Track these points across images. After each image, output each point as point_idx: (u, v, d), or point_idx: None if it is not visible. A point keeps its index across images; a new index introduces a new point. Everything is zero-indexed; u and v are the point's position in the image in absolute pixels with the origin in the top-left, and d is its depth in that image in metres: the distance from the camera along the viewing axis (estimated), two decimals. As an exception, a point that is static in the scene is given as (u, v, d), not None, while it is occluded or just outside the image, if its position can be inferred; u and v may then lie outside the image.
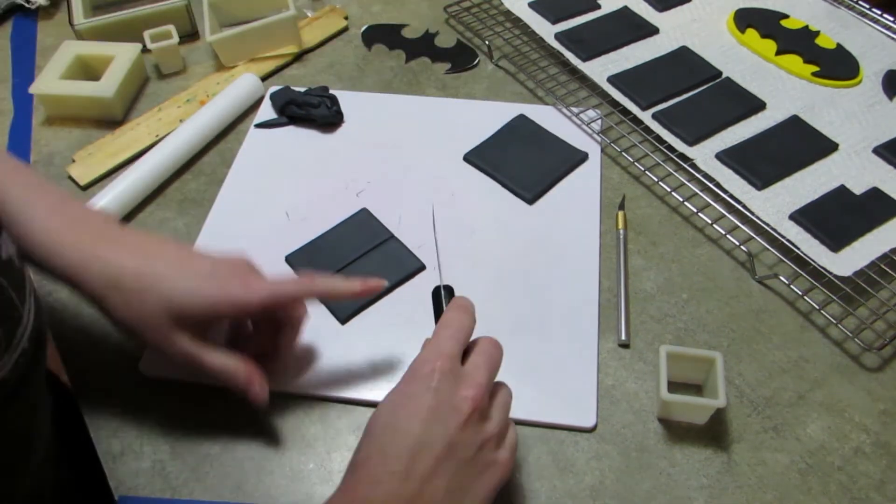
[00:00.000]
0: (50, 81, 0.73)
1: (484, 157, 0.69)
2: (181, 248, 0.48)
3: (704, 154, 0.67)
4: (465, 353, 0.44)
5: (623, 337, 0.56)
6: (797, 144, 0.67)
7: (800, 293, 0.57)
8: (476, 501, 0.40)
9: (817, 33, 0.78)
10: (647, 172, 0.67)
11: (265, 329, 0.52)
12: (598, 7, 0.83)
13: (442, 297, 0.49)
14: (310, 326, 0.56)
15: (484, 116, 0.73)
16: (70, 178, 0.69)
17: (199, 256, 0.48)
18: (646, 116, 0.70)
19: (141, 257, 0.46)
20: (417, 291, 0.59)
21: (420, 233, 0.63)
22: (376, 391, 0.53)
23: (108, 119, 0.74)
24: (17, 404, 0.39)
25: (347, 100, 0.75)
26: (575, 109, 0.73)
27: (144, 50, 0.78)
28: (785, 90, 0.73)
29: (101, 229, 0.47)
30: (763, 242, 0.60)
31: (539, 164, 0.68)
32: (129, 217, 0.65)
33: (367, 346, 0.55)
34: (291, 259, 0.61)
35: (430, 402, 0.40)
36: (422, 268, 0.60)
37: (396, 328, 0.56)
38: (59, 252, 0.45)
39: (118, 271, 0.45)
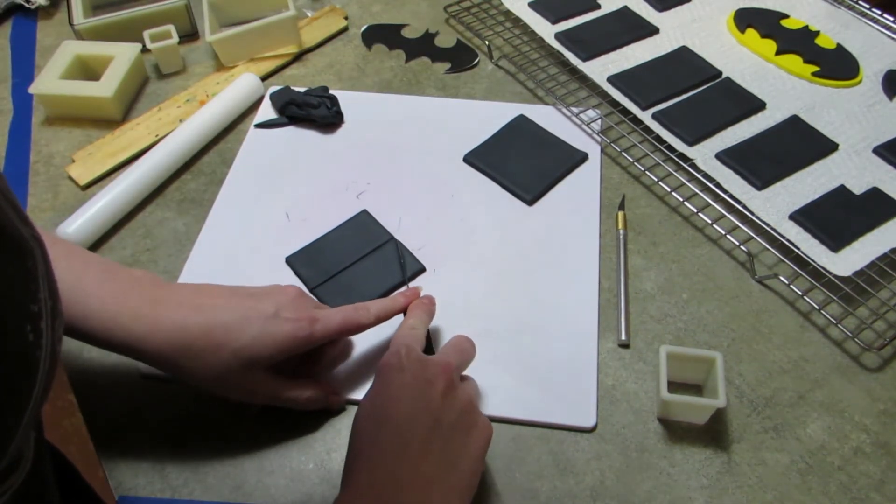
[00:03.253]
0: (50, 81, 0.73)
1: (484, 158, 0.69)
2: (234, 293, 0.48)
3: (704, 154, 0.67)
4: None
5: (623, 337, 0.56)
6: (797, 144, 0.67)
7: (800, 293, 0.57)
8: (470, 462, 0.42)
9: (817, 33, 0.78)
10: (647, 172, 0.67)
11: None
12: (598, 7, 0.83)
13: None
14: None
15: (484, 117, 0.73)
16: (70, 178, 0.69)
17: (256, 299, 0.48)
18: (646, 116, 0.70)
19: (202, 315, 0.46)
20: (417, 291, 0.59)
21: (420, 234, 0.63)
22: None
23: (108, 119, 0.74)
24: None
25: (347, 100, 0.75)
26: (575, 109, 0.73)
27: (144, 50, 0.78)
28: (785, 90, 0.73)
29: (154, 293, 0.46)
30: (763, 242, 0.60)
31: (539, 164, 0.68)
32: (129, 217, 0.65)
33: (368, 346, 0.55)
34: (291, 260, 0.61)
35: (405, 381, 0.43)
36: (422, 269, 0.60)
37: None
38: (121, 326, 0.44)
39: (185, 335, 0.45)
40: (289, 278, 0.60)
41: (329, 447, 0.51)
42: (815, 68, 0.74)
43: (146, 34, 0.78)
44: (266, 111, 0.75)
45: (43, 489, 0.42)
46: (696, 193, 0.64)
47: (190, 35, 0.85)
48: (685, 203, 0.64)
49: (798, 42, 0.77)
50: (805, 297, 0.57)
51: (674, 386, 0.51)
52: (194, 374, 0.46)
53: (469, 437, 0.43)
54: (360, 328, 0.50)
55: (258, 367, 0.47)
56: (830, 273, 0.57)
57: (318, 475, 0.49)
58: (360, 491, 0.40)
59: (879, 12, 0.82)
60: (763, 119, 0.70)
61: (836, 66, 0.75)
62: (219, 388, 0.47)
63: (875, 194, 0.63)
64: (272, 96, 0.75)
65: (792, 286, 0.58)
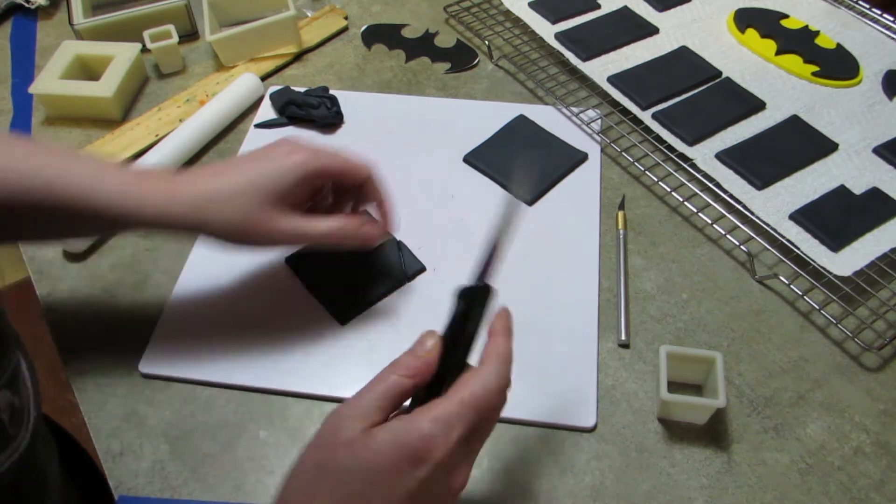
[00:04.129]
0: (49, 81, 0.73)
1: (484, 158, 0.69)
2: (245, 156, 0.51)
3: (704, 154, 0.67)
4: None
5: (623, 337, 0.56)
6: (797, 144, 0.67)
7: (800, 293, 0.57)
8: None
9: (817, 33, 0.78)
10: (646, 172, 0.67)
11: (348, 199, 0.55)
12: (598, 7, 0.83)
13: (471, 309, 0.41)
14: (310, 327, 0.57)
15: (484, 117, 0.73)
16: (70, 178, 0.69)
17: (267, 149, 0.51)
18: (646, 116, 0.70)
19: (218, 174, 0.49)
20: (418, 293, 0.59)
21: (420, 234, 0.63)
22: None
23: (108, 119, 0.74)
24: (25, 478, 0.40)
25: (347, 100, 0.75)
26: (575, 109, 0.73)
27: (144, 50, 0.78)
28: (785, 90, 0.73)
29: (167, 174, 0.49)
30: (763, 242, 0.60)
31: (539, 164, 0.68)
32: (128, 217, 0.65)
33: (367, 346, 0.55)
34: (291, 260, 0.61)
35: (411, 480, 0.35)
36: (422, 269, 0.60)
37: (396, 329, 0.56)
38: (145, 204, 0.47)
39: (206, 192, 0.48)
40: (289, 278, 0.60)
41: (329, 447, 0.51)
42: (815, 68, 0.74)
43: (146, 34, 0.78)
44: (266, 111, 0.75)
45: (41, 471, 0.42)
46: (696, 193, 0.64)
47: (190, 35, 0.85)
48: (685, 203, 0.64)
49: (798, 42, 0.77)
50: (805, 297, 0.57)
51: (674, 386, 0.51)
52: (221, 224, 0.48)
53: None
54: (349, 166, 0.51)
55: (276, 203, 0.48)
56: (830, 273, 0.57)
57: (318, 475, 0.49)
58: None
59: (879, 12, 0.82)
60: (763, 119, 0.70)
61: (836, 65, 0.75)
62: (249, 232, 0.49)
63: (875, 194, 0.63)
64: (272, 96, 0.75)
65: (792, 286, 0.58)
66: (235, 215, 0.48)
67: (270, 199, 0.48)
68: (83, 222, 0.48)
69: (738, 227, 0.62)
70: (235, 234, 0.49)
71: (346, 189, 0.55)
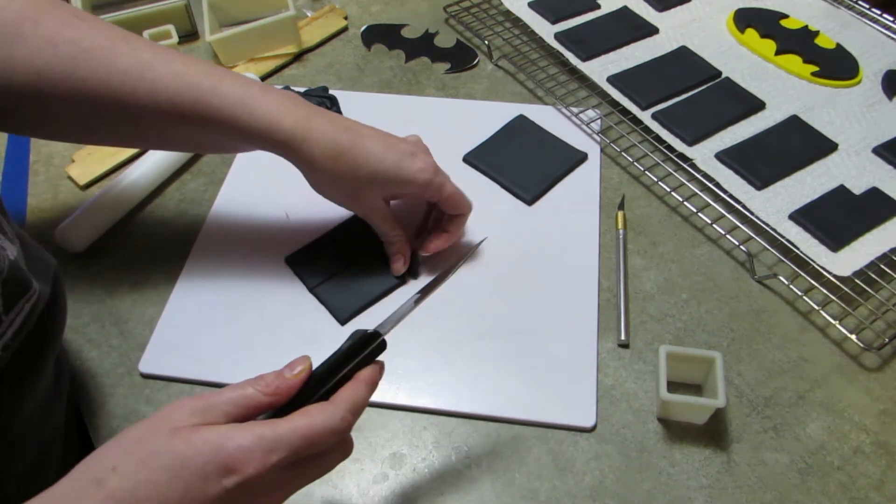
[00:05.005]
0: (49, 81, 0.73)
1: (483, 158, 0.69)
2: (380, 132, 0.55)
3: (704, 154, 0.67)
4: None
5: (623, 337, 0.56)
6: (797, 144, 0.67)
7: (799, 293, 0.57)
8: None
9: (817, 33, 0.78)
10: (646, 172, 0.67)
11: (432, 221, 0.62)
12: (598, 7, 0.83)
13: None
14: (310, 327, 0.57)
15: (483, 117, 0.73)
16: (70, 178, 0.69)
17: (398, 139, 0.55)
18: (645, 116, 0.70)
19: (351, 135, 0.53)
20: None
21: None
22: (375, 391, 0.53)
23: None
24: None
25: (347, 100, 0.75)
26: (574, 109, 0.73)
27: (144, 50, 0.78)
28: (784, 90, 0.73)
29: (306, 105, 0.53)
30: (763, 242, 0.60)
31: (539, 164, 0.68)
32: (129, 217, 0.65)
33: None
34: (291, 260, 0.61)
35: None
36: (419, 261, 0.60)
37: (396, 329, 0.56)
38: (280, 128, 0.50)
39: (337, 146, 0.52)
40: (289, 278, 0.60)
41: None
42: (815, 68, 0.74)
43: (146, 34, 0.78)
44: (266, 111, 0.75)
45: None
46: (696, 193, 0.64)
47: (190, 35, 0.85)
48: (685, 203, 0.64)
49: (798, 42, 0.77)
50: (805, 297, 0.57)
51: (673, 386, 0.51)
52: (328, 184, 0.54)
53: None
54: (459, 200, 0.57)
55: (382, 189, 0.54)
56: (830, 273, 0.57)
57: (318, 475, 0.49)
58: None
59: (879, 12, 0.82)
60: (763, 119, 0.70)
61: (836, 65, 0.75)
62: (344, 199, 0.56)
63: (874, 194, 0.63)
64: (272, 96, 0.75)
65: (791, 286, 0.58)
66: (345, 186, 0.54)
67: (381, 188, 0.55)
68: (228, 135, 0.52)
69: (738, 226, 0.62)
70: (335, 196, 0.56)
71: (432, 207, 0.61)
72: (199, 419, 0.36)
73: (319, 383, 0.40)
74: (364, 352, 0.41)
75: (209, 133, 0.52)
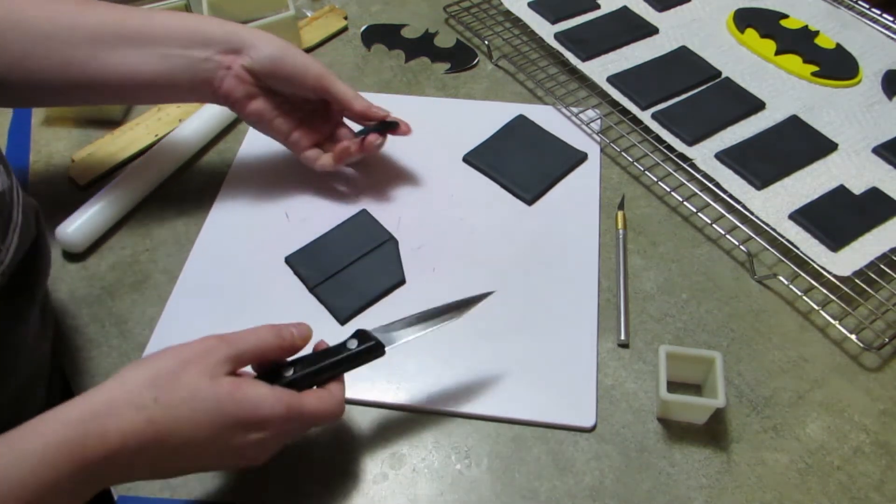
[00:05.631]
0: (49, 81, 0.73)
1: (483, 158, 0.69)
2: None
3: (704, 154, 0.67)
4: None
5: (622, 337, 0.56)
6: (796, 144, 0.67)
7: (799, 293, 0.57)
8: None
9: (817, 33, 0.78)
10: (646, 172, 0.67)
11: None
12: (598, 7, 0.83)
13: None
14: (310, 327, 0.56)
15: (483, 117, 0.73)
16: (70, 178, 0.69)
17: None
18: (645, 116, 0.70)
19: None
20: (417, 292, 0.59)
21: (420, 234, 0.63)
22: (375, 391, 0.53)
23: (108, 119, 0.74)
24: None
25: (347, 100, 0.74)
26: (574, 109, 0.73)
27: (144, 50, 0.78)
28: (784, 90, 0.73)
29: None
30: (762, 242, 0.60)
31: (538, 164, 0.68)
32: (128, 217, 0.65)
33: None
34: (291, 259, 0.61)
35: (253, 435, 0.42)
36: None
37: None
38: (223, 31, 0.59)
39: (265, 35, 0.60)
40: (289, 278, 0.60)
41: (329, 449, 0.51)
42: (815, 68, 0.74)
43: (146, 34, 0.78)
44: (266, 111, 0.75)
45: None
46: (696, 193, 0.64)
47: (190, 35, 0.84)
48: (685, 203, 0.64)
49: (797, 42, 0.77)
50: (804, 297, 0.57)
51: (673, 386, 0.51)
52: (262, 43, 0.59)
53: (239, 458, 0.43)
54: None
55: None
56: (830, 273, 0.57)
57: (318, 475, 0.49)
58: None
59: (879, 12, 0.82)
60: (762, 119, 0.70)
61: (836, 65, 0.75)
62: (282, 59, 0.59)
63: (874, 194, 0.63)
64: (272, 96, 0.75)
65: (791, 286, 0.58)
66: (275, 40, 0.59)
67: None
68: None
69: (738, 226, 0.62)
70: (281, 52, 0.59)
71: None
72: (231, 367, 0.42)
73: (317, 362, 0.46)
74: (366, 361, 0.47)
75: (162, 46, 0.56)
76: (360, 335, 0.47)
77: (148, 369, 0.40)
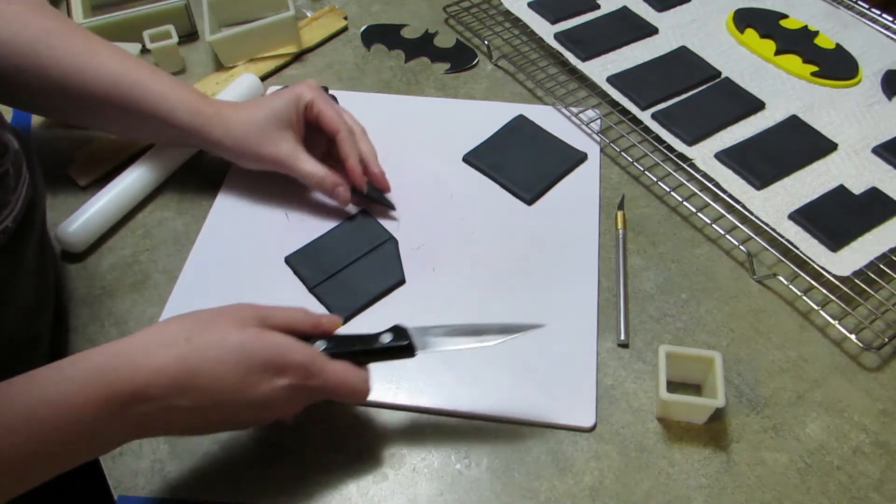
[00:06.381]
0: (49, 82, 0.73)
1: (483, 158, 0.69)
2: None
3: (703, 154, 0.67)
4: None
5: (622, 337, 0.56)
6: (796, 144, 0.67)
7: (799, 293, 0.57)
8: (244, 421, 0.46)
9: (816, 33, 0.78)
10: (646, 172, 0.67)
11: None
12: (598, 7, 0.83)
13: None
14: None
15: (483, 117, 0.73)
16: (70, 178, 0.69)
17: (281, 92, 0.63)
18: (645, 116, 0.70)
19: (248, 105, 0.62)
20: (417, 292, 0.59)
21: (420, 234, 0.63)
22: (375, 391, 0.53)
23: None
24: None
25: (347, 100, 0.74)
26: (574, 109, 0.73)
27: (144, 50, 0.78)
28: (784, 90, 0.73)
29: (214, 103, 0.62)
30: (762, 242, 0.60)
31: (538, 164, 0.68)
32: (128, 217, 0.66)
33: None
34: (291, 260, 0.61)
35: (275, 383, 0.43)
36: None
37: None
38: (191, 122, 0.60)
39: (233, 111, 0.62)
40: (288, 278, 0.60)
41: (328, 447, 0.51)
42: (815, 68, 0.74)
43: (146, 34, 0.78)
44: (266, 111, 0.75)
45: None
46: (696, 193, 0.65)
47: (189, 35, 0.85)
48: (684, 203, 0.64)
49: (797, 42, 0.77)
50: (804, 297, 0.57)
51: (673, 385, 0.51)
52: (242, 149, 0.61)
53: (261, 416, 0.45)
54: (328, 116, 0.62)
55: (281, 124, 0.60)
56: (829, 273, 0.57)
57: (318, 475, 0.49)
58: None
59: (879, 12, 0.82)
60: (762, 119, 0.70)
61: (836, 65, 0.75)
62: (262, 155, 0.61)
63: (874, 194, 0.63)
64: (272, 96, 0.75)
65: (791, 286, 0.58)
66: (245, 127, 0.61)
67: (275, 122, 0.60)
68: (150, 125, 0.61)
69: (738, 226, 0.62)
70: (240, 145, 0.61)
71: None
72: (260, 324, 0.44)
73: (347, 344, 0.47)
74: (394, 357, 0.47)
75: (138, 117, 0.60)
76: (397, 331, 0.47)
77: (183, 317, 0.44)
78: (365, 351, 0.47)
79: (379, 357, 0.47)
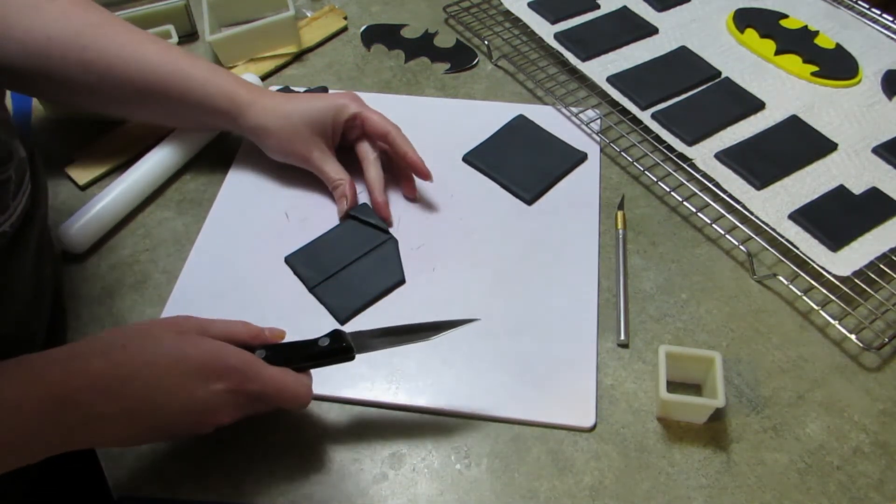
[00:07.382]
0: (49, 81, 0.73)
1: (483, 158, 0.69)
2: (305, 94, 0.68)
3: (703, 154, 0.67)
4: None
5: (622, 337, 0.56)
6: (796, 144, 0.67)
7: (799, 293, 0.57)
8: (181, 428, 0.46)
9: (816, 33, 0.78)
10: (646, 172, 0.67)
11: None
12: (598, 7, 0.83)
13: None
14: (310, 327, 0.56)
15: (483, 117, 0.73)
16: (70, 178, 0.69)
17: (323, 94, 0.67)
18: (645, 116, 0.70)
19: (284, 100, 0.63)
20: (417, 292, 0.59)
21: (419, 233, 0.63)
22: (375, 391, 0.53)
23: (108, 119, 0.74)
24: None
25: (347, 100, 0.74)
26: (574, 109, 0.73)
27: (144, 50, 0.78)
28: (784, 90, 0.73)
29: (252, 90, 0.63)
30: (762, 242, 0.60)
31: (538, 164, 0.68)
32: (129, 217, 0.66)
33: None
34: (291, 259, 0.61)
35: (214, 387, 0.43)
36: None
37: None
38: (228, 109, 0.62)
39: (277, 106, 0.63)
40: (289, 278, 0.60)
41: (328, 447, 0.51)
42: (815, 68, 0.74)
43: (146, 34, 0.78)
44: (266, 111, 0.75)
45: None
46: (696, 193, 0.65)
47: (189, 35, 0.85)
48: (684, 203, 0.64)
49: (797, 42, 0.77)
50: (804, 297, 0.57)
51: (673, 386, 0.51)
52: (276, 140, 0.64)
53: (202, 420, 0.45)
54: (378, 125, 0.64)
55: (317, 131, 0.62)
56: (830, 273, 0.57)
57: (318, 475, 0.49)
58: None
59: (879, 12, 0.82)
60: (762, 119, 0.70)
61: (836, 65, 0.75)
62: (293, 149, 0.63)
63: (874, 194, 0.63)
64: (272, 96, 0.75)
65: (791, 286, 0.58)
66: (280, 129, 0.63)
67: (310, 126, 0.62)
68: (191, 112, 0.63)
69: (738, 226, 0.62)
70: (270, 140, 0.64)
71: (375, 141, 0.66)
72: (200, 333, 0.45)
73: (290, 358, 0.47)
74: (334, 362, 0.48)
75: (178, 105, 0.62)
76: (335, 336, 0.48)
77: (123, 326, 0.45)
78: (303, 355, 0.47)
79: (318, 361, 0.48)
